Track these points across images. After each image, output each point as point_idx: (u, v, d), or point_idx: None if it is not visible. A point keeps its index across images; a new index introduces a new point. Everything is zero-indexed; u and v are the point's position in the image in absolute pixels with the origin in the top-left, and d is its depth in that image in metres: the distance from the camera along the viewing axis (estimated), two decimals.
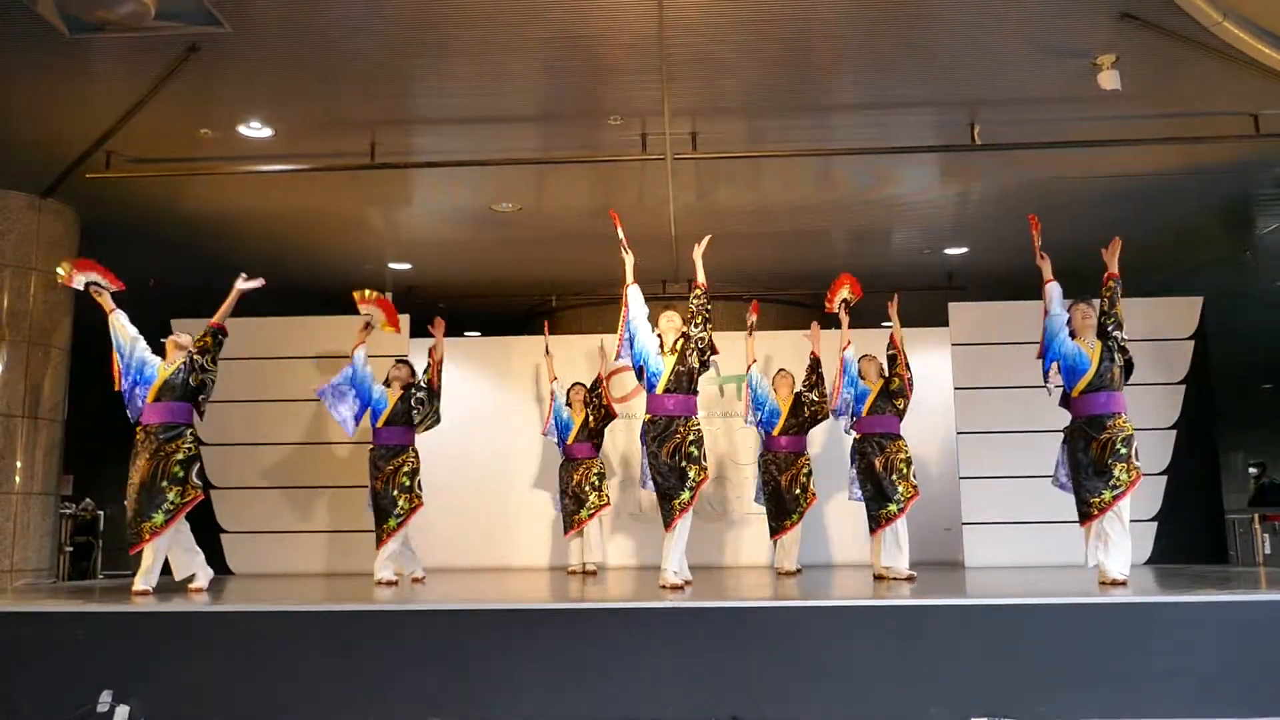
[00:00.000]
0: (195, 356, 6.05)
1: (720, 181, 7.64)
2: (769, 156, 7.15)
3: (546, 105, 6.40)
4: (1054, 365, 5.63)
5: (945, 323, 8.51)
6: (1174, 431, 8.21)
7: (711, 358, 5.71)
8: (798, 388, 7.37)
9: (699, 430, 5.61)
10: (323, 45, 5.59)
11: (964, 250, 9.36)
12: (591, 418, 7.95)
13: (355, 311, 7.33)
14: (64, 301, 7.72)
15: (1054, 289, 5.72)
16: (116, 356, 5.99)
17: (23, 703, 4.30)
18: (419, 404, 6.93)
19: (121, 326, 6.04)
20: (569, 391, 8.08)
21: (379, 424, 6.82)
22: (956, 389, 8.33)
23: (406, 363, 7.15)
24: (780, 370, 7.49)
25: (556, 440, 8.05)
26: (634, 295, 5.70)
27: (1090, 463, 5.43)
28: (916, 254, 9.49)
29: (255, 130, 6.63)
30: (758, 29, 5.47)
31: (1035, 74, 5.98)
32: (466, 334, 11.25)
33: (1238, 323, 11.13)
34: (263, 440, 8.52)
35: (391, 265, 9.70)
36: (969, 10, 5.32)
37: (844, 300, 6.95)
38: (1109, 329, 5.56)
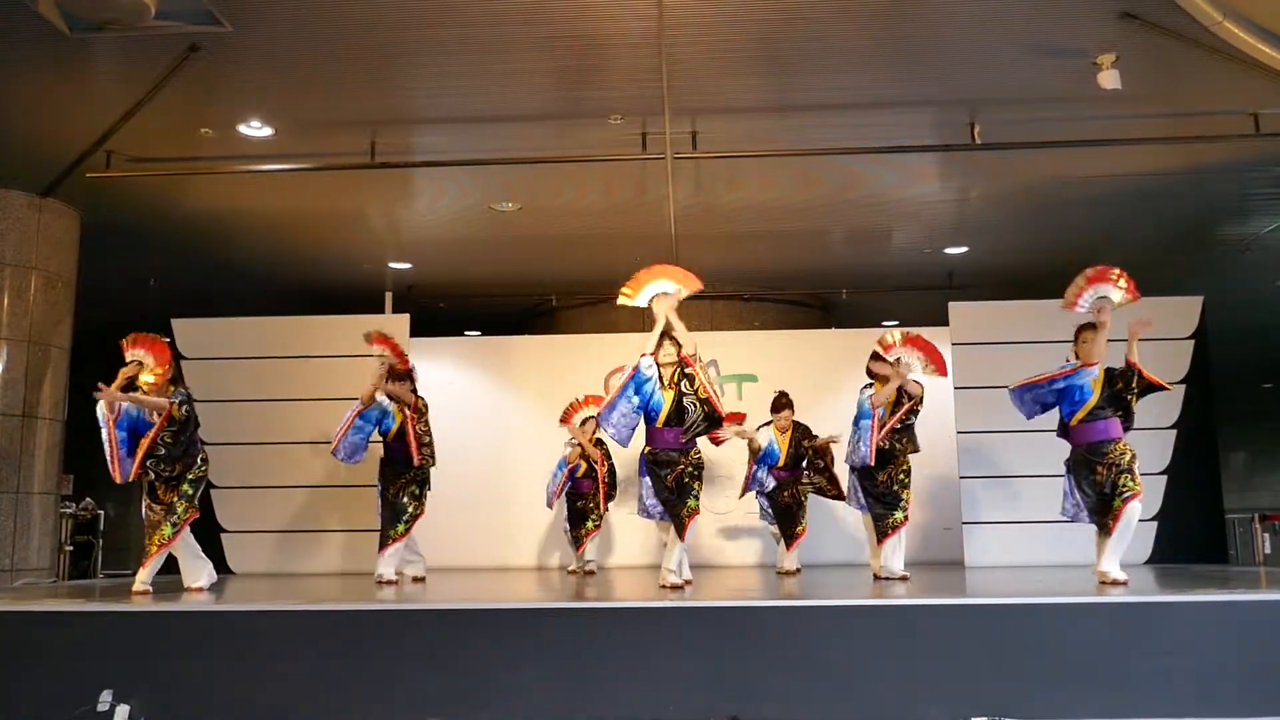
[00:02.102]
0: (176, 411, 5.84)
1: (720, 181, 7.64)
2: (769, 156, 7.15)
3: (546, 105, 6.40)
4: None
5: (945, 323, 8.50)
6: (1174, 431, 8.21)
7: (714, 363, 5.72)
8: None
9: (699, 458, 5.65)
10: (323, 45, 5.59)
11: (964, 250, 9.36)
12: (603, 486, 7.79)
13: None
14: (64, 301, 7.72)
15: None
16: (114, 437, 5.63)
17: (23, 703, 4.30)
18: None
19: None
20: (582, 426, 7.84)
21: (389, 439, 6.69)
22: (956, 389, 8.32)
23: (408, 377, 6.82)
24: (778, 395, 7.42)
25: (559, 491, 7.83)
26: (646, 365, 5.58)
27: (1097, 487, 5.50)
28: (916, 254, 9.50)
29: (255, 130, 6.63)
30: (757, 28, 5.47)
31: (1035, 74, 5.98)
32: (466, 334, 11.25)
33: (1238, 323, 11.13)
34: (263, 440, 8.52)
35: (391, 265, 9.70)
36: (969, 10, 5.32)
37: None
38: (1125, 396, 5.56)
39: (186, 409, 5.84)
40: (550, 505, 7.95)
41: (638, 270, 5.71)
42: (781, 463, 7.23)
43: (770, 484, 7.30)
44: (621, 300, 5.67)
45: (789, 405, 7.29)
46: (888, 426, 6.31)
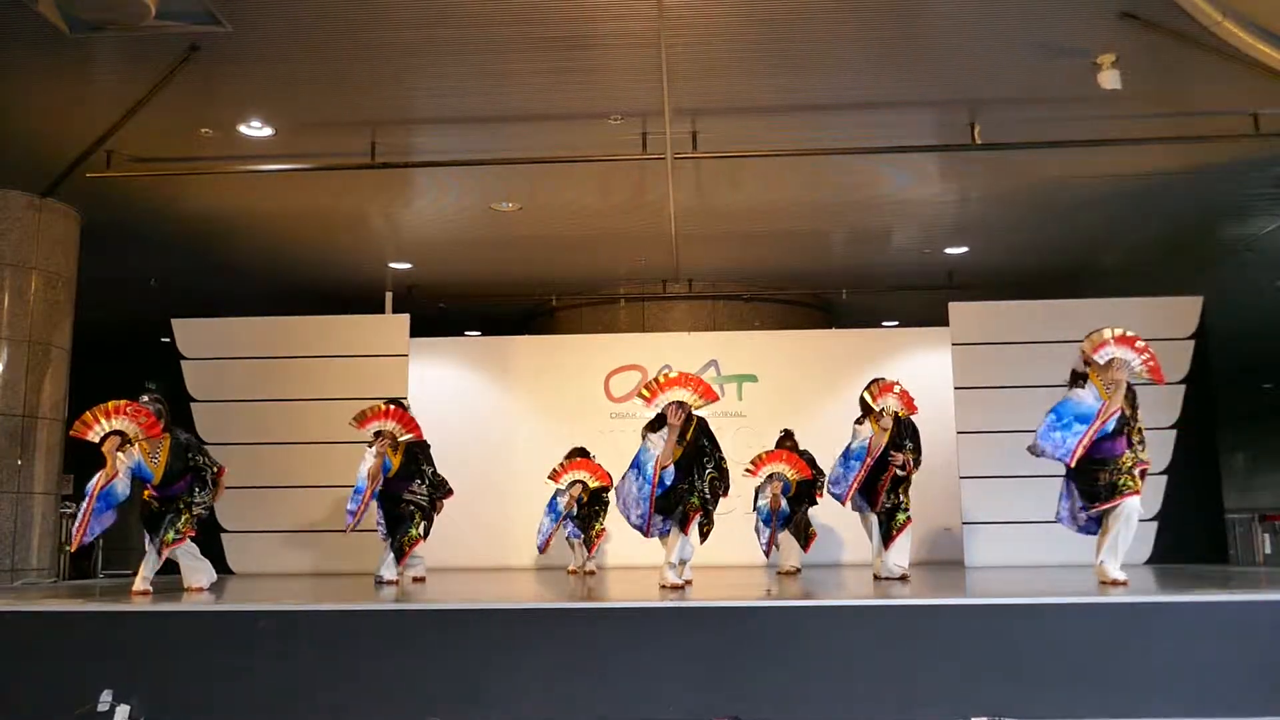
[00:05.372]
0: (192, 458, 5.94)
1: (720, 181, 7.64)
2: (769, 156, 7.15)
3: (546, 105, 6.40)
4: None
5: (945, 322, 8.51)
6: (1174, 431, 8.21)
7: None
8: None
9: (695, 483, 5.65)
10: (323, 45, 5.59)
11: (964, 250, 9.37)
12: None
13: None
14: (64, 301, 7.72)
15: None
16: (91, 510, 5.52)
17: (23, 703, 4.30)
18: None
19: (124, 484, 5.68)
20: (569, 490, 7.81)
21: (389, 475, 6.71)
22: (956, 389, 8.33)
23: (391, 424, 6.65)
24: (782, 435, 7.50)
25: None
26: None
27: (1098, 488, 5.49)
28: (916, 254, 9.50)
29: (255, 130, 6.64)
30: (757, 28, 5.48)
31: (1035, 74, 5.98)
32: (466, 334, 11.25)
33: (1238, 323, 11.13)
34: (263, 440, 8.52)
35: (391, 265, 9.71)
36: (969, 10, 5.32)
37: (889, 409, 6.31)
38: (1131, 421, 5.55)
39: (192, 458, 5.93)
40: (542, 551, 7.90)
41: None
42: (792, 493, 7.28)
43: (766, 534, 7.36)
44: (638, 399, 5.61)
45: (792, 442, 7.39)
46: (858, 478, 6.33)
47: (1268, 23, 5.14)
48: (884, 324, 11.86)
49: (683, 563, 5.70)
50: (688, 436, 5.59)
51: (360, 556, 7.74)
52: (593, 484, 7.79)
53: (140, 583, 5.62)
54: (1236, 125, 6.59)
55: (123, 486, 5.64)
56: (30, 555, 7.31)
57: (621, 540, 8.84)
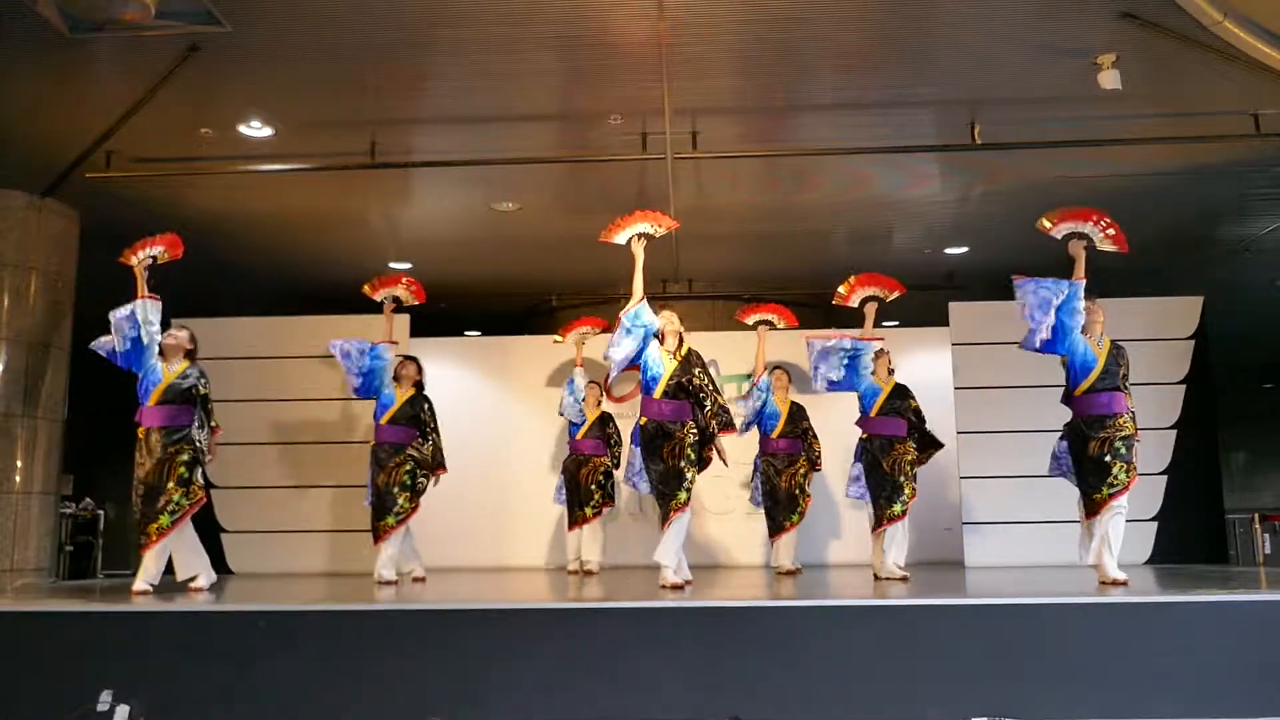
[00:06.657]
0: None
1: (720, 181, 7.64)
2: (769, 156, 7.15)
3: (546, 105, 6.40)
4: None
5: (945, 323, 8.50)
6: (1174, 431, 8.21)
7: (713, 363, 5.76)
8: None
9: (695, 432, 5.54)
10: (323, 45, 5.60)
11: (964, 250, 9.36)
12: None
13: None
14: (64, 301, 7.73)
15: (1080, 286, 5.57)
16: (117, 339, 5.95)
17: (23, 703, 4.30)
18: (429, 425, 6.90)
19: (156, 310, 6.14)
20: (585, 387, 8.01)
21: (383, 420, 6.74)
22: (956, 389, 8.33)
23: (414, 360, 7.02)
24: (776, 368, 7.49)
25: (570, 429, 8.00)
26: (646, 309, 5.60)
27: (1088, 460, 5.43)
28: (916, 254, 9.49)
29: (255, 130, 6.64)
30: (757, 29, 5.48)
31: (1035, 74, 5.98)
32: (466, 334, 11.25)
33: (1238, 323, 11.13)
34: (263, 440, 8.52)
35: (392, 265, 9.69)
36: (969, 10, 5.32)
37: (871, 298, 6.82)
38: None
39: (202, 384, 6.09)
40: (577, 436, 7.93)
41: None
42: (779, 429, 7.20)
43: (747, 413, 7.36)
44: (601, 239, 5.72)
45: (786, 371, 7.52)
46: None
47: (1268, 23, 5.15)
48: (884, 324, 11.84)
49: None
50: (681, 350, 5.58)
51: (359, 557, 7.74)
52: (594, 332, 8.20)
53: (140, 583, 5.60)
54: (1236, 125, 6.59)
55: (145, 321, 6.08)
56: (30, 555, 7.31)
57: (621, 540, 8.85)
